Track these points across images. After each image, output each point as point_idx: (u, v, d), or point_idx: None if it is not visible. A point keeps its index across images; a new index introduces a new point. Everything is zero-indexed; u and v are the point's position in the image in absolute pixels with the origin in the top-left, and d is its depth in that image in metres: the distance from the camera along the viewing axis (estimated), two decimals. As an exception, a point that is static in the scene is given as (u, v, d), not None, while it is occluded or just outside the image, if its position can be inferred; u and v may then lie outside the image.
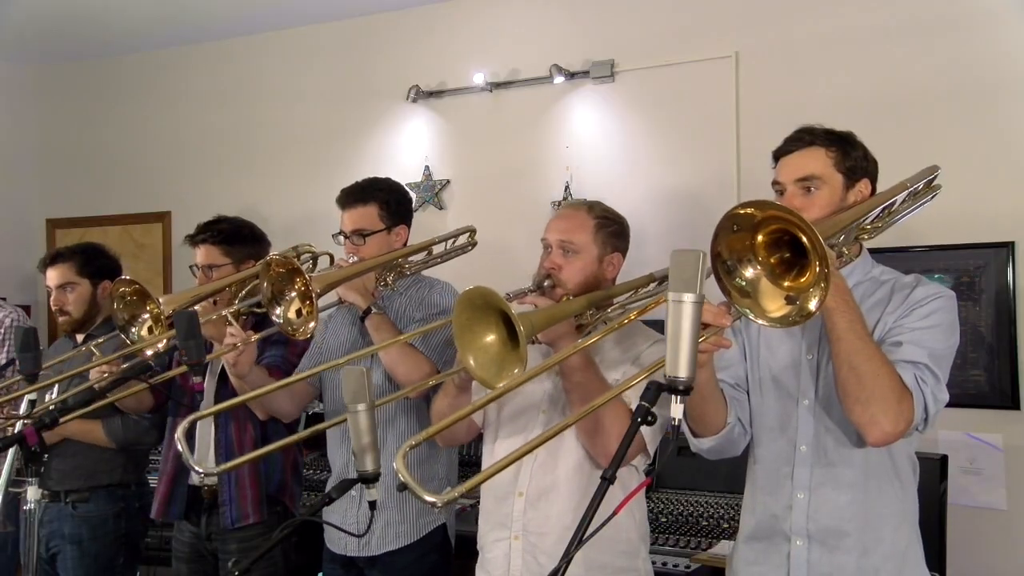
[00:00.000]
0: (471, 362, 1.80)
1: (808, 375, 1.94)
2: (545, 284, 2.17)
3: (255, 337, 2.55)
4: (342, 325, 2.79)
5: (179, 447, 1.91)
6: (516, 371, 1.75)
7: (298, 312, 2.38)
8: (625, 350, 2.19)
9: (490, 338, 1.81)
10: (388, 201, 2.72)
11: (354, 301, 2.55)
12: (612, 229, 2.26)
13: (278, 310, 2.39)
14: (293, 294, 2.38)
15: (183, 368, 2.38)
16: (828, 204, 1.92)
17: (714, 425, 1.94)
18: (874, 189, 1.99)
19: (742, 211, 1.54)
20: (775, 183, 2.00)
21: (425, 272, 2.81)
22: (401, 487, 1.36)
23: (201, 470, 2.04)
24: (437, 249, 2.85)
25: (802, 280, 1.54)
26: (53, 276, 3.26)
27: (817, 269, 1.49)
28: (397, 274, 2.69)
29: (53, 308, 3.30)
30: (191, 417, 2.01)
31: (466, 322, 1.80)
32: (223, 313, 2.55)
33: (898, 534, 1.91)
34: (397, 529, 2.61)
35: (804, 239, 1.50)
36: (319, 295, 2.37)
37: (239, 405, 2.53)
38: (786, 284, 1.56)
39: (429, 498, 1.34)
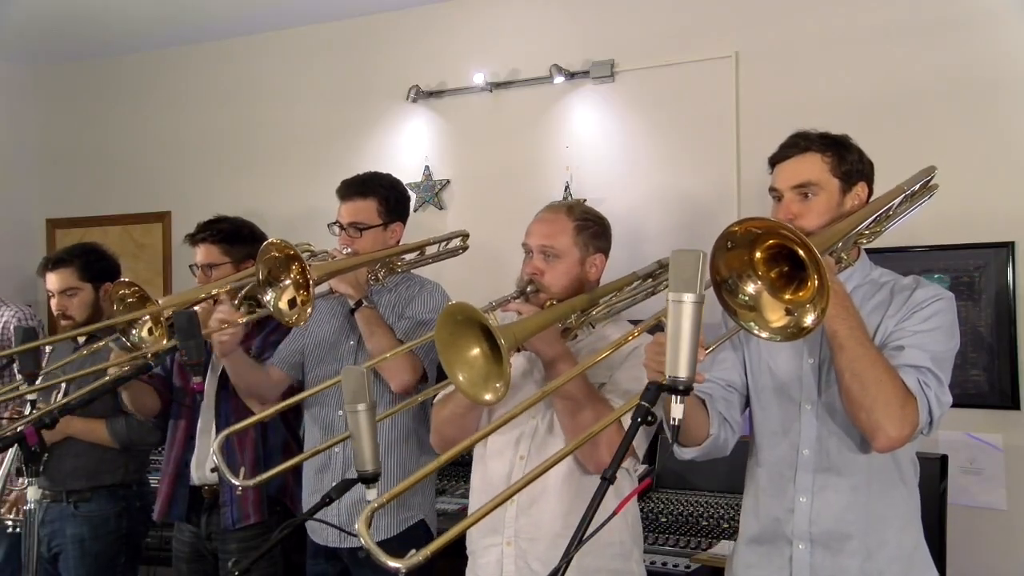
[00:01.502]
0: (459, 377, 1.80)
1: (810, 379, 1.94)
2: (528, 290, 2.16)
3: (245, 318, 2.58)
4: (327, 315, 2.79)
5: (215, 460, 2.03)
6: (499, 385, 1.75)
7: (291, 302, 2.39)
8: (615, 352, 2.18)
9: (474, 352, 1.81)
10: (388, 197, 2.74)
11: (346, 293, 2.57)
12: (593, 230, 2.24)
13: (269, 295, 2.39)
14: (288, 282, 2.39)
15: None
16: (825, 210, 1.92)
17: (696, 438, 1.94)
18: (871, 191, 1.99)
19: (736, 228, 1.54)
20: (772, 189, 2.00)
21: (415, 271, 2.83)
22: (363, 553, 1.31)
23: (239, 483, 2.06)
24: (430, 250, 2.88)
25: (802, 294, 1.54)
26: (54, 281, 3.25)
27: (816, 282, 1.49)
28: (388, 270, 2.71)
29: (55, 313, 3.29)
30: (225, 432, 2.14)
31: (449, 338, 1.80)
32: (216, 291, 2.59)
33: (904, 536, 1.91)
34: (376, 523, 2.61)
35: (801, 253, 1.50)
36: (316, 283, 2.38)
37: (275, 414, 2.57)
38: (787, 297, 1.56)
39: (393, 564, 1.29)
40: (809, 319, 1.50)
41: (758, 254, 1.56)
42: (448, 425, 2.23)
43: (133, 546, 3.27)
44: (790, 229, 1.51)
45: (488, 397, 1.78)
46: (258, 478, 2.00)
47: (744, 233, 1.53)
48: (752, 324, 1.57)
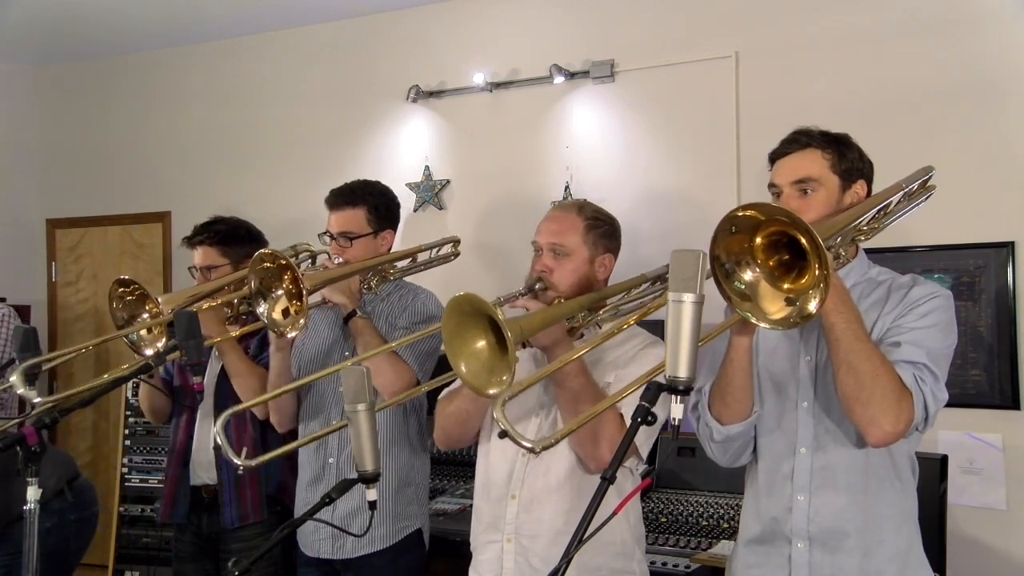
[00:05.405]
0: (462, 369, 1.80)
1: (807, 377, 1.94)
2: (536, 287, 2.15)
3: (236, 332, 2.60)
4: (322, 326, 2.76)
5: (218, 440, 2.03)
6: (505, 377, 1.75)
7: (284, 311, 2.37)
8: (621, 353, 2.17)
9: (480, 344, 1.81)
10: (377, 205, 2.71)
11: (339, 302, 2.54)
12: (603, 230, 2.23)
13: (262, 307, 2.38)
14: (280, 292, 2.38)
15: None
16: (825, 206, 1.91)
17: (743, 410, 1.91)
18: (870, 190, 1.99)
19: (741, 213, 1.54)
20: (771, 185, 1.99)
21: (407, 278, 2.81)
22: (502, 434, 1.48)
23: (240, 462, 2.04)
24: (422, 257, 2.86)
25: (802, 282, 1.54)
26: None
27: (817, 271, 1.49)
28: (381, 278, 2.70)
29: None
30: (228, 412, 2.13)
31: (455, 328, 1.80)
32: (215, 303, 2.59)
33: (900, 534, 1.91)
34: (374, 533, 2.59)
35: (803, 241, 1.50)
36: (310, 293, 2.37)
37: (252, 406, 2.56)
38: (785, 286, 1.57)
39: (526, 443, 1.48)
40: (812, 305, 1.50)
41: (758, 240, 1.57)
42: (453, 422, 2.22)
43: (56, 564, 3.01)
44: (791, 215, 1.50)
45: (492, 391, 1.77)
46: (259, 459, 2.01)
47: (747, 218, 1.53)
48: (749, 314, 1.57)
